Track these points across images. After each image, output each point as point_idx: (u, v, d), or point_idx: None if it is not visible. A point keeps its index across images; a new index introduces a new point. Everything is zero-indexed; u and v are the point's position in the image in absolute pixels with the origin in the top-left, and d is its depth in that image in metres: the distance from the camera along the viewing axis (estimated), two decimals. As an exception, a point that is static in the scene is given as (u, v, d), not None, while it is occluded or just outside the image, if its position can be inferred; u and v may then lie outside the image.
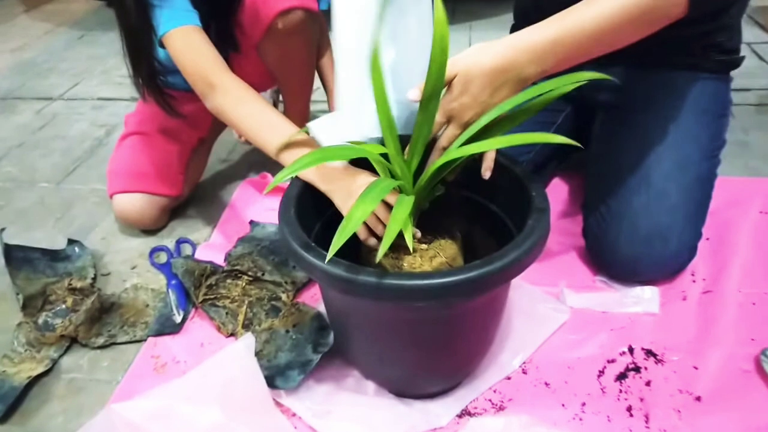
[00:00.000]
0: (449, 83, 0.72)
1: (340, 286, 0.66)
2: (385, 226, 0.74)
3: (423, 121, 0.72)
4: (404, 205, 0.65)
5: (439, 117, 0.73)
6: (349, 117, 0.79)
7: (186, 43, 0.95)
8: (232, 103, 0.92)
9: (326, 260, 0.63)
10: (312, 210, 0.80)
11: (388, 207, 0.74)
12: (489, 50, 0.72)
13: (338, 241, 0.59)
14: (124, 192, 1.17)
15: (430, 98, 0.70)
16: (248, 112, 0.90)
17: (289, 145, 0.83)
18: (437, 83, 0.69)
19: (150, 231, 1.20)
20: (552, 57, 0.72)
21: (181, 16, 0.96)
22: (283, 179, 0.66)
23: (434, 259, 0.76)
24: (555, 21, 0.73)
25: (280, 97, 1.41)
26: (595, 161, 1.02)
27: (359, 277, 0.64)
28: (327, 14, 0.93)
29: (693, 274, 0.99)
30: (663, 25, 0.76)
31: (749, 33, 1.90)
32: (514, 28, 1.22)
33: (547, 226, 0.71)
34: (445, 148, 0.75)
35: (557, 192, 1.22)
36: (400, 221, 0.61)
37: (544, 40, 0.72)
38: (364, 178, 0.76)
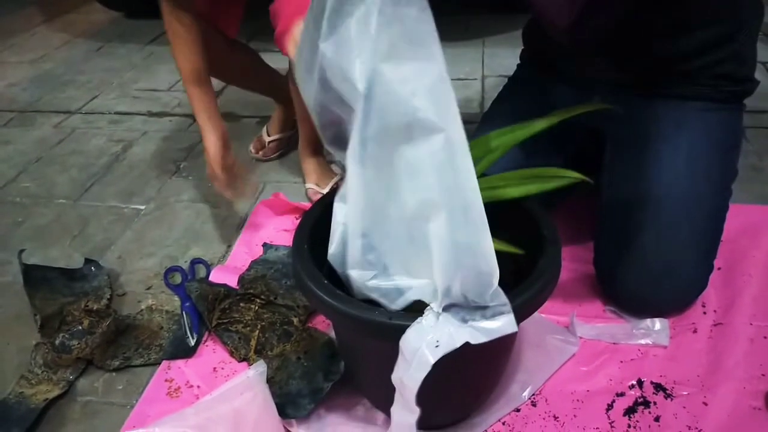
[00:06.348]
0: None
1: (349, 325, 0.68)
2: None
3: None
4: None
5: None
6: None
7: None
8: None
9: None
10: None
11: None
12: None
13: None
14: None
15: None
16: None
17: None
18: None
19: (164, 251, 1.22)
20: None
21: None
22: None
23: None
24: None
25: None
26: (604, 194, 1.02)
27: (367, 317, 0.64)
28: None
29: (704, 305, 0.99)
30: None
31: (765, 52, 1.88)
32: (524, 53, 1.23)
33: (558, 265, 0.72)
34: None
35: (568, 217, 1.21)
36: None
37: None
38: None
